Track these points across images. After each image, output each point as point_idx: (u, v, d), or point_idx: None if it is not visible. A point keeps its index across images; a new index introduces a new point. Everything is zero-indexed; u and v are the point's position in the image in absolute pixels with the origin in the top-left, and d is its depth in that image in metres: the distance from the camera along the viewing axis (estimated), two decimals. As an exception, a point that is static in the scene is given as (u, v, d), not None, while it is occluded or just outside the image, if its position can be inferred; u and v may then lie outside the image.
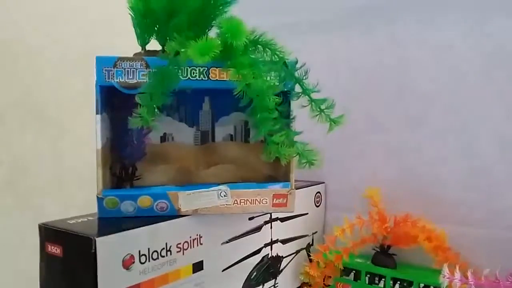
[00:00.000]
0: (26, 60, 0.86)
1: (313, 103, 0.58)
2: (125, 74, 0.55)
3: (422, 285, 0.71)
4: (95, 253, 0.47)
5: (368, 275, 0.76)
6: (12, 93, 0.84)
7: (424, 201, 0.77)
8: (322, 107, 0.58)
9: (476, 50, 0.72)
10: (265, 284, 0.73)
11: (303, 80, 0.58)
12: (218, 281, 0.63)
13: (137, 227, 0.52)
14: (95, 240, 0.47)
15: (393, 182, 0.80)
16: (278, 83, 0.57)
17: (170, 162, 0.65)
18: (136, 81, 0.55)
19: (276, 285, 0.76)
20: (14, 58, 0.84)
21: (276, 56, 0.57)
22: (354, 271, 0.77)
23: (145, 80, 0.54)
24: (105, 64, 0.54)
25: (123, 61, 0.55)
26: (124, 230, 0.51)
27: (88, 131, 0.62)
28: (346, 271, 0.78)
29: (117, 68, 0.54)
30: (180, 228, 0.57)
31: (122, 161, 0.62)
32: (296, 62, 0.59)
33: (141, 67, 0.55)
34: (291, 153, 0.57)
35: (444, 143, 0.76)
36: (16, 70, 0.84)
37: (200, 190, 0.58)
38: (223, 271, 0.64)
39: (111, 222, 0.54)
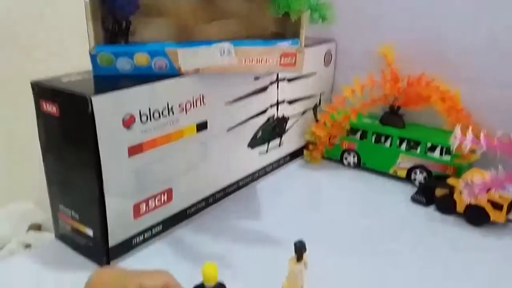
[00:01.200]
0: None
1: None
2: None
3: (429, 144, 0.70)
4: (92, 112, 0.45)
5: (375, 135, 0.75)
6: None
7: (440, 62, 0.73)
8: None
9: None
10: (271, 143, 0.73)
11: None
12: (222, 140, 0.62)
13: (136, 85, 0.49)
14: (90, 99, 0.45)
15: (409, 42, 0.75)
16: None
17: (167, 16, 0.59)
18: None
19: (281, 144, 0.76)
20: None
21: None
22: (361, 131, 0.76)
23: None
24: None
25: None
26: (121, 88, 0.48)
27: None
28: (352, 131, 0.77)
29: None
30: (182, 88, 0.55)
31: (114, 15, 0.57)
32: None
33: None
34: (301, 7, 0.51)
35: (467, 6, 0.68)
36: None
37: (201, 47, 0.54)
38: (227, 130, 0.63)
39: (107, 81, 0.52)
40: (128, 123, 0.49)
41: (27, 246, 1.01)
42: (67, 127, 0.49)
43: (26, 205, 1.13)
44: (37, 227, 1.09)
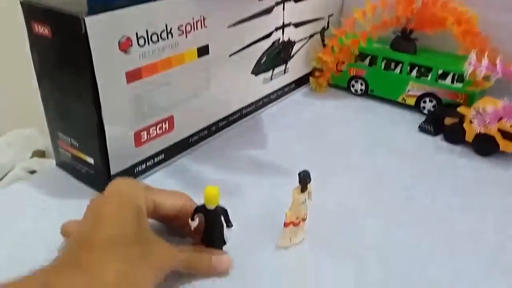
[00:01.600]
0: None
1: None
2: None
3: (441, 71, 0.67)
4: (86, 34, 0.42)
5: (385, 61, 0.72)
6: None
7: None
8: None
9: None
10: (275, 69, 0.70)
11: None
12: (225, 66, 0.60)
13: (132, 5, 0.46)
14: (84, 20, 0.42)
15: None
16: None
17: None
18: None
19: (286, 70, 0.73)
20: None
21: None
22: (370, 57, 0.73)
23: None
24: None
25: None
26: (116, 8, 0.45)
27: None
28: (361, 56, 0.74)
29: None
30: (181, 8, 0.51)
31: None
32: None
33: None
34: None
35: None
36: None
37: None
38: (230, 56, 0.60)
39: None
40: (124, 46, 0.46)
41: (32, 172, 1.01)
42: (61, 50, 0.46)
43: (29, 131, 1.13)
44: (40, 154, 1.09)
